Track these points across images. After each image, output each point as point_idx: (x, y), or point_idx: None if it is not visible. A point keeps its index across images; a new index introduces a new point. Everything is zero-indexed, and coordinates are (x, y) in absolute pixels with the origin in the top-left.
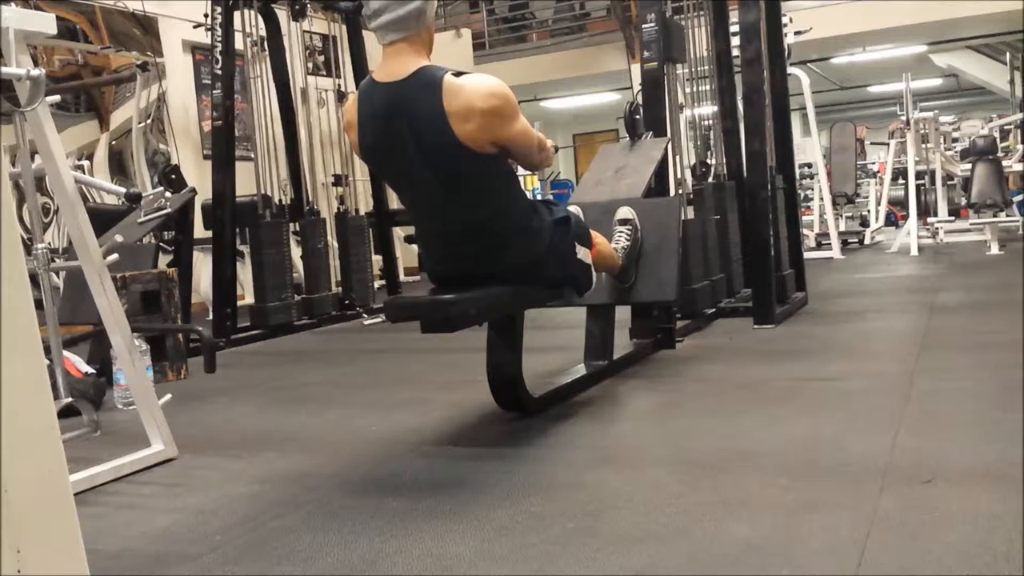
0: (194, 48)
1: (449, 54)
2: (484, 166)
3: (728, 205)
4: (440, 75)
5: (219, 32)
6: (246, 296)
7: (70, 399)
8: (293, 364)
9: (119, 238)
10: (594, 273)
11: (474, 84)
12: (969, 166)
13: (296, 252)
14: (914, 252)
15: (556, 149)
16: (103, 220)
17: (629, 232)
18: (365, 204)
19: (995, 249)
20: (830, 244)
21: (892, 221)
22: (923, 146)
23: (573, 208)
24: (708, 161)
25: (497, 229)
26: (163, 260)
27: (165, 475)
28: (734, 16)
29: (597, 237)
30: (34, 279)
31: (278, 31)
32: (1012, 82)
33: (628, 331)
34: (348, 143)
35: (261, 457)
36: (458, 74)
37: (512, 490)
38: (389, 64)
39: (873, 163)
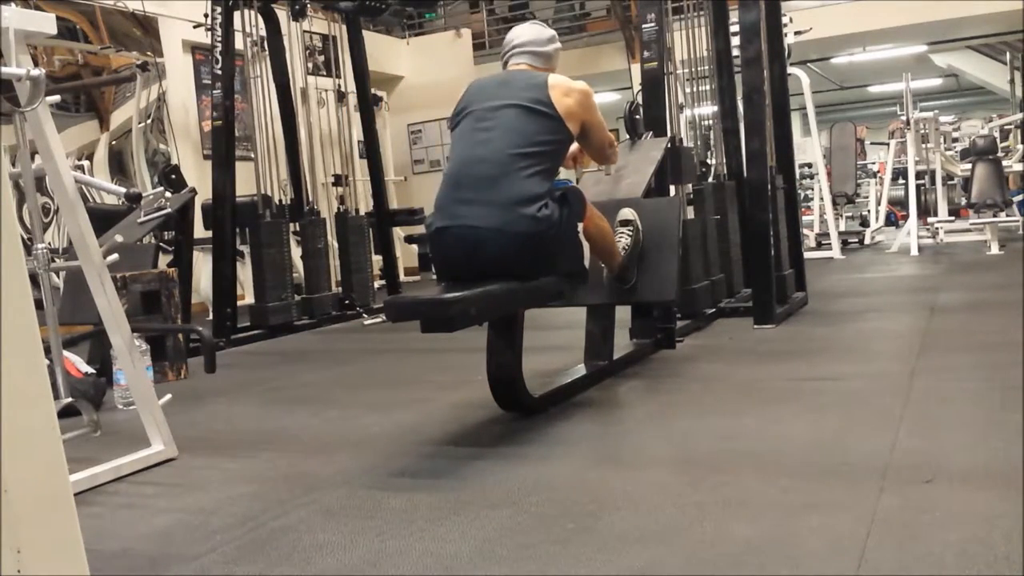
0: (194, 48)
1: (449, 54)
2: (555, 132)
3: (728, 205)
4: (547, 73)
5: (219, 32)
6: (246, 296)
7: (70, 399)
8: (293, 364)
9: (119, 238)
10: (586, 248)
11: (572, 80)
12: (969, 166)
13: (296, 252)
14: (914, 252)
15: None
16: (103, 220)
17: (631, 233)
18: (365, 204)
19: (995, 249)
20: (830, 244)
21: (892, 221)
22: (923, 146)
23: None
24: (708, 161)
25: (524, 192)
26: (163, 260)
27: (165, 475)
28: (734, 16)
29: (592, 209)
30: (34, 279)
31: (278, 31)
32: (1012, 82)
33: (628, 331)
34: (347, 148)
35: (261, 457)
36: None
37: (512, 490)
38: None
39: (873, 163)
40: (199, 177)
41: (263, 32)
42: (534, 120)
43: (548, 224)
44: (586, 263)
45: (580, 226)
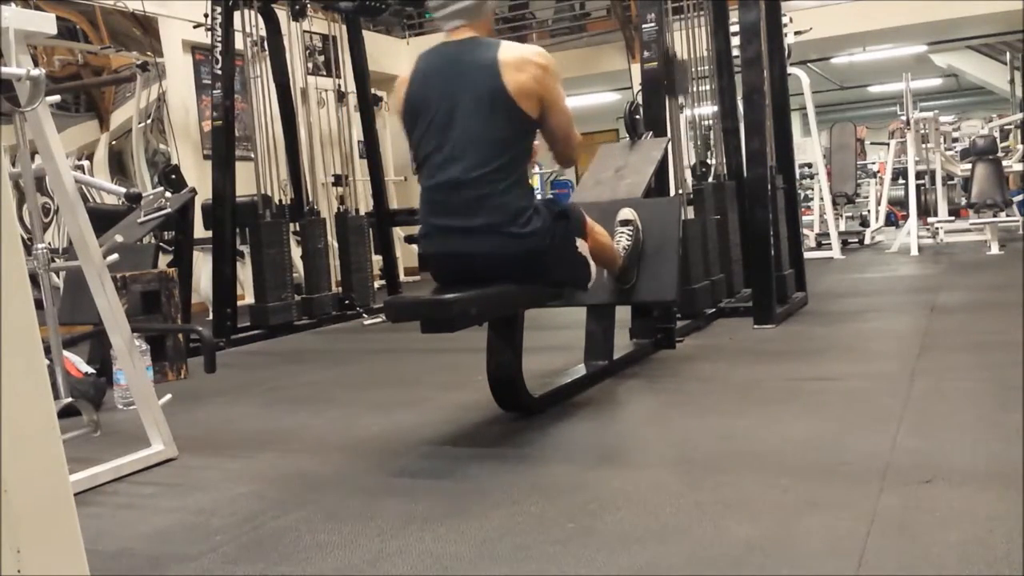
0: (194, 48)
1: None
2: (518, 127)
3: (728, 205)
4: (499, 41)
5: (219, 32)
6: (246, 296)
7: (70, 399)
8: (293, 364)
9: (119, 238)
10: (592, 266)
11: (528, 46)
12: (969, 166)
13: (296, 252)
14: (914, 252)
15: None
16: (103, 220)
17: (631, 233)
18: (365, 204)
19: (995, 249)
20: (830, 244)
21: (892, 221)
22: (923, 146)
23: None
24: (708, 161)
25: (507, 209)
26: (163, 260)
27: (165, 475)
28: (734, 16)
29: (593, 226)
30: (34, 279)
31: (278, 31)
32: (1012, 82)
33: (628, 331)
34: (347, 148)
35: (261, 457)
36: None
37: (512, 490)
38: (452, 36)
39: (873, 163)
40: (199, 177)
41: (263, 32)
42: (495, 121)
43: (539, 237)
44: (590, 284)
45: (585, 245)
